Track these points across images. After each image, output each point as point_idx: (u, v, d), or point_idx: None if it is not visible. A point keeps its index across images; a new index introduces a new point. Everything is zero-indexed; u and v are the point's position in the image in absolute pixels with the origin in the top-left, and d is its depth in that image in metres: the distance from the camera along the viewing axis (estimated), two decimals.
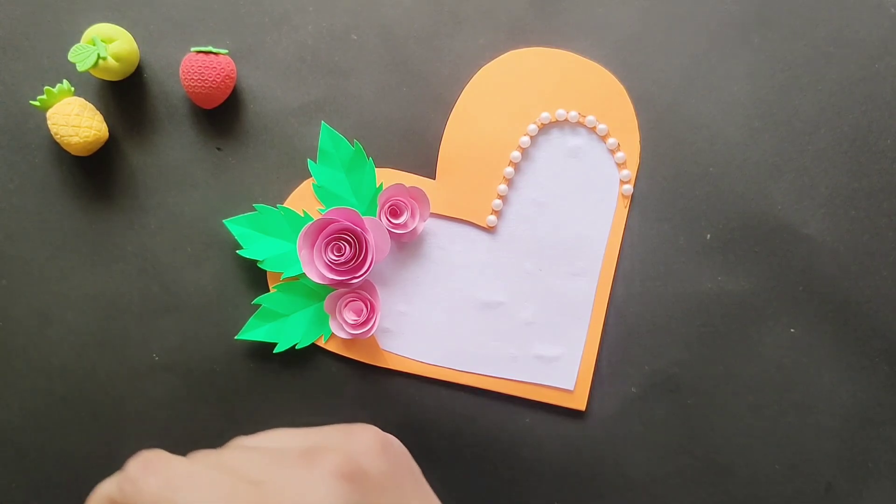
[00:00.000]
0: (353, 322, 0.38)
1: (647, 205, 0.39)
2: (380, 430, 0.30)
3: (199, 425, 0.39)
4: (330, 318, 0.39)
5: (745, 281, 0.39)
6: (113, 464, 0.39)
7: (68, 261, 0.39)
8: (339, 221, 0.37)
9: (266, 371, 0.39)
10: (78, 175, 0.39)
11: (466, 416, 0.39)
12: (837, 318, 0.39)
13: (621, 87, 0.39)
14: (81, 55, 0.36)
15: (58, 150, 0.39)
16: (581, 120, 0.39)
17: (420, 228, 0.39)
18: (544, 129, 0.39)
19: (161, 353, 0.39)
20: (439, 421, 0.39)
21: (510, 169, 0.39)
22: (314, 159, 0.39)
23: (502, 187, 0.39)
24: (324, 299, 0.39)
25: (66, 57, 0.37)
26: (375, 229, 0.38)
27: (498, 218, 0.40)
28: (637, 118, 0.39)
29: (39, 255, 0.39)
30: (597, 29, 0.40)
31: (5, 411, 0.39)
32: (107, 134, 0.39)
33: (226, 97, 0.39)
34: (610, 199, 0.39)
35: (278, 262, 0.39)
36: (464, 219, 0.40)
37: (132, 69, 0.39)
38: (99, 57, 0.37)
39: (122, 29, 0.38)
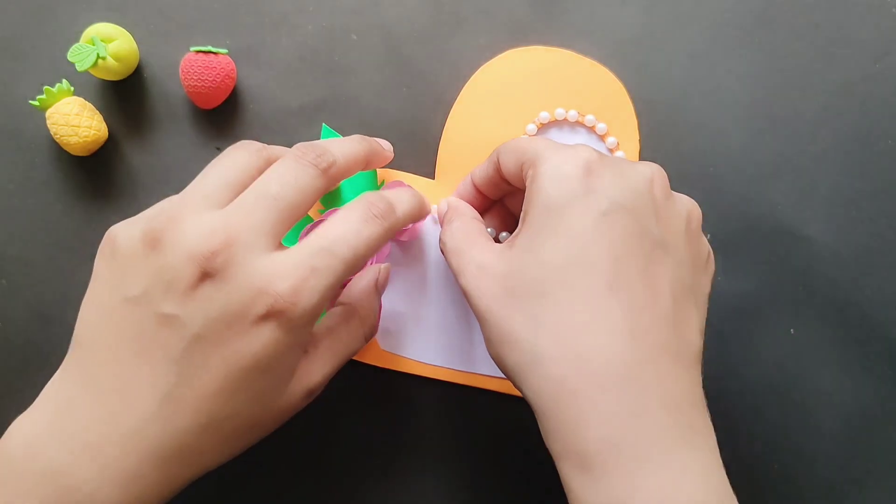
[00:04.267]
0: None
1: None
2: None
3: None
4: None
5: (745, 281, 0.39)
6: None
7: (68, 261, 0.39)
8: None
9: None
10: (78, 175, 0.39)
11: (467, 416, 0.39)
12: (838, 318, 0.39)
13: (621, 86, 0.39)
14: (81, 55, 0.36)
15: (58, 150, 0.39)
16: (580, 119, 0.39)
17: (420, 228, 0.39)
18: (543, 128, 0.39)
19: None
20: (439, 421, 0.39)
21: None
22: None
23: None
24: None
25: (66, 57, 0.37)
26: None
27: None
28: (637, 118, 0.39)
29: (39, 255, 0.39)
30: (597, 29, 0.39)
31: (4, 411, 0.39)
32: (106, 134, 0.39)
33: (226, 97, 0.39)
34: None
35: None
36: None
37: (132, 69, 0.39)
38: (98, 57, 0.37)
39: (121, 29, 0.38)
